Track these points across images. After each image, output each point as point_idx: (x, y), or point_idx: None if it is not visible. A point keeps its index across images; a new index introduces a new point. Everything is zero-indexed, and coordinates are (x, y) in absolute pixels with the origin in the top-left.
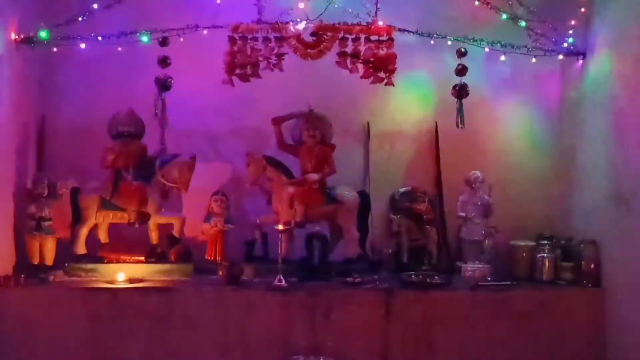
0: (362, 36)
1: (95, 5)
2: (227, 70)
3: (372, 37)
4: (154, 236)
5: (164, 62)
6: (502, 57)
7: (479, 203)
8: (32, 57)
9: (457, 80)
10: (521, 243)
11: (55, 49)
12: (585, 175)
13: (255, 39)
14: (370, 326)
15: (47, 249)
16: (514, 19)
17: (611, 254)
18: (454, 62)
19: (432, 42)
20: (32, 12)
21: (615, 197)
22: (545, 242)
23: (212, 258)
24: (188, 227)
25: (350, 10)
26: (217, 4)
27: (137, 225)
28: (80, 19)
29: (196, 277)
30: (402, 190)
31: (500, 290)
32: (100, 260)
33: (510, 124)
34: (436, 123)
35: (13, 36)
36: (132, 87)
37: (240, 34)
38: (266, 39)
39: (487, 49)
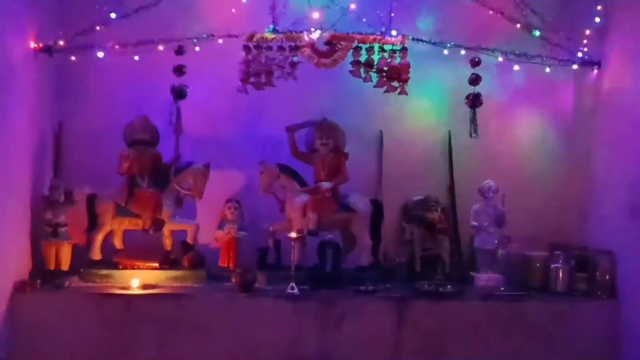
0: (376, 45)
1: (113, 15)
2: (241, 79)
3: (386, 47)
4: (168, 243)
5: (179, 70)
6: (516, 67)
7: (492, 212)
8: (50, 66)
9: (471, 89)
10: (535, 253)
11: (72, 58)
12: (600, 185)
13: (269, 48)
14: (382, 335)
15: (63, 255)
16: (528, 28)
17: (627, 264)
18: (467, 71)
19: (445, 51)
20: (50, 21)
21: (631, 207)
22: (560, 252)
23: (225, 265)
24: (202, 234)
25: (364, 19)
26: (232, 13)
27: (151, 232)
28: (97, 28)
29: (209, 284)
30: (415, 198)
31: (514, 300)
32: (115, 266)
33: (524, 133)
34: (449, 132)
35: (32, 45)
36: (148, 95)
37: (255, 43)
38: (281, 48)
39: (501, 59)
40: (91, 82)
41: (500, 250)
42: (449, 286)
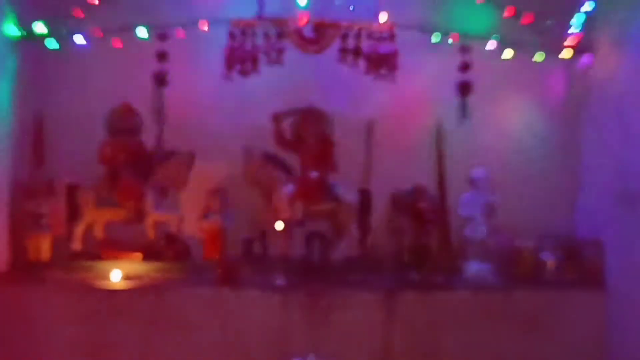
0: (364, 32)
1: (96, 0)
2: (226, 66)
3: (374, 33)
4: (151, 234)
5: (162, 57)
6: (506, 54)
7: (482, 202)
8: (29, 53)
9: (461, 77)
10: (524, 243)
11: (53, 44)
12: (590, 174)
13: (255, 34)
14: (371, 327)
15: (44, 246)
16: (519, 14)
17: (615, 254)
18: (457, 58)
19: (434, 38)
20: (30, 7)
21: (621, 196)
22: (549, 241)
23: (210, 256)
24: (186, 224)
25: (352, 6)
26: None
27: (134, 223)
28: (78, 14)
29: (194, 276)
30: (404, 188)
31: (503, 290)
32: (97, 258)
33: (515, 121)
34: (439, 120)
35: (11, 31)
36: (130, 83)
37: (241, 29)
38: (266, 35)
39: (491, 46)
40: (72, 69)
41: (490, 241)
42: (438, 277)
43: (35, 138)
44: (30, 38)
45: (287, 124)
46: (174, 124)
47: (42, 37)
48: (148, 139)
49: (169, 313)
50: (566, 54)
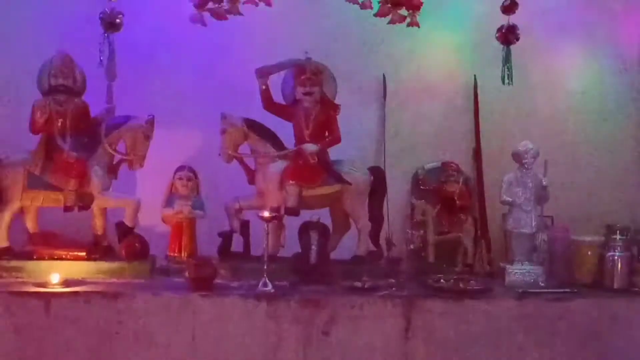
0: None
1: None
2: (196, 4)
3: None
4: (98, 225)
5: None
6: None
7: (530, 185)
8: None
9: (504, 20)
10: (586, 238)
11: None
12: None
13: None
14: (385, 346)
15: None
16: None
17: None
18: None
19: None
20: None
21: None
22: (618, 237)
23: (176, 254)
24: (144, 213)
25: None
26: None
27: (76, 210)
28: None
29: (155, 279)
30: (428, 166)
31: (558, 299)
32: (29, 256)
33: (574, 80)
34: (475, 77)
35: None
36: (70, 26)
37: None
38: None
39: None
40: None
41: (540, 235)
42: (472, 281)
43: None
44: None
45: (275, 82)
46: (128, 81)
47: None
48: (94, 99)
49: (124, 327)
50: None
